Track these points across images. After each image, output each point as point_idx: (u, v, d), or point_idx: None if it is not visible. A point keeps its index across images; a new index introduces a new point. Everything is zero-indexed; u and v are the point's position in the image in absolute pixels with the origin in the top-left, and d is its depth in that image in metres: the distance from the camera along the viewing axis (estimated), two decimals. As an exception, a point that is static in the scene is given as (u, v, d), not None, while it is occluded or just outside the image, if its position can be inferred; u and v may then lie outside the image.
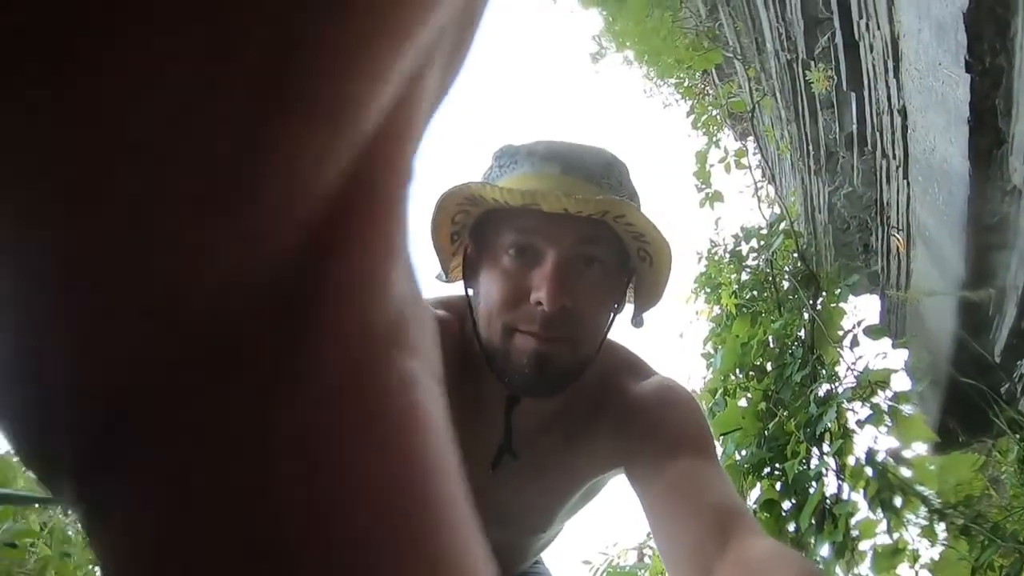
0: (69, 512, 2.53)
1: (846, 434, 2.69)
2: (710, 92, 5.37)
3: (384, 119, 0.10)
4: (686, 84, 5.38)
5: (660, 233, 0.92)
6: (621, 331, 1.09)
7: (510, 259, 0.90)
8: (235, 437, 0.09)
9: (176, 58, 0.09)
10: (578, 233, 0.89)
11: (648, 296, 1.03)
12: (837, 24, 3.35)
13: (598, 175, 0.93)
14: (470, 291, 0.99)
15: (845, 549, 2.46)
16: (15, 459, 2.55)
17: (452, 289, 1.06)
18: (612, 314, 0.99)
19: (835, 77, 3.52)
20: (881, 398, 2.65)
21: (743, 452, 2.95)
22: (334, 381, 0.09)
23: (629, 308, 1.06)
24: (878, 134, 3.28)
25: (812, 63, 3.67)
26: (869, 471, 2.52)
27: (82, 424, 0.10)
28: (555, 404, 1.00)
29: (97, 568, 2.64)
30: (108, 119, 0.09)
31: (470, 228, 0.98)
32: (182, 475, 0.09)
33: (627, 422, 1.01)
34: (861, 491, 2.52)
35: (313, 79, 0.09)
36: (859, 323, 3.12)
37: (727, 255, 4.35)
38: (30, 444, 0.11)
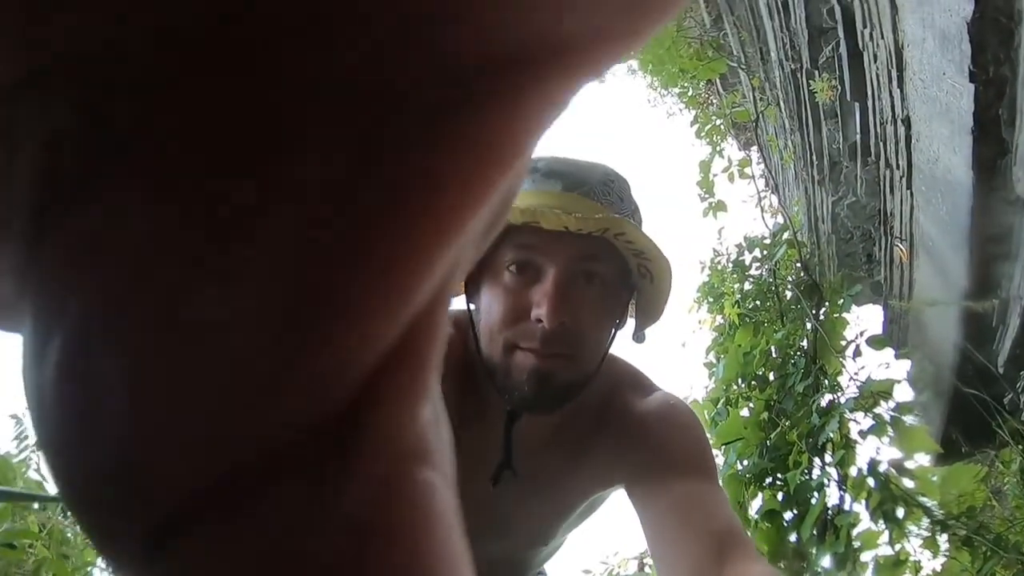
0: (68, 514, 2.53)
1: (848, 444, 2.68)
2: (714, 102, 5.38)
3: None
4: (690, 93, 5.38)
5: (660, 251, 0.92)
6: (624, 342, 1.10)
7: (511, 275, 0.91)
8: (287, 531, 0.11)
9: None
10: (578, 250, 0.89)
11: (649, 313, 1.04)
12: (841, 34, 3.36)
13: (599, 191, 0.93)
14: (472, 306, 0.99)
15: (847, 560, 2.44)
16: (15, 459, 2.55)
17: (455, 303, 1.06)
18: (613, 330, 0.99)
19: (839, 87, 3.53)
20: (884, 409, 2.65)
21: (745, 462, 2.94)
22: (370, 490, 0.12)
23: (631, 323, 1.06)
24: (882, 144, 3.28)
25: (816, 73, 3.67)
26: (871, 482, 2.51)
27: (148, 507, 0.11)
28: (557, 420, 1.00)
29: (95, 571, 2.64)
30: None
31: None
32: (240, 558, 0.11)
33: (630, 440, 1.01)
34: (863, 502, 2.52)
35: (397, 257, 0.11)
36: (862, 333, 3.12)
37: (730, 265, 4.35)
38: (99, 520, 0.12)
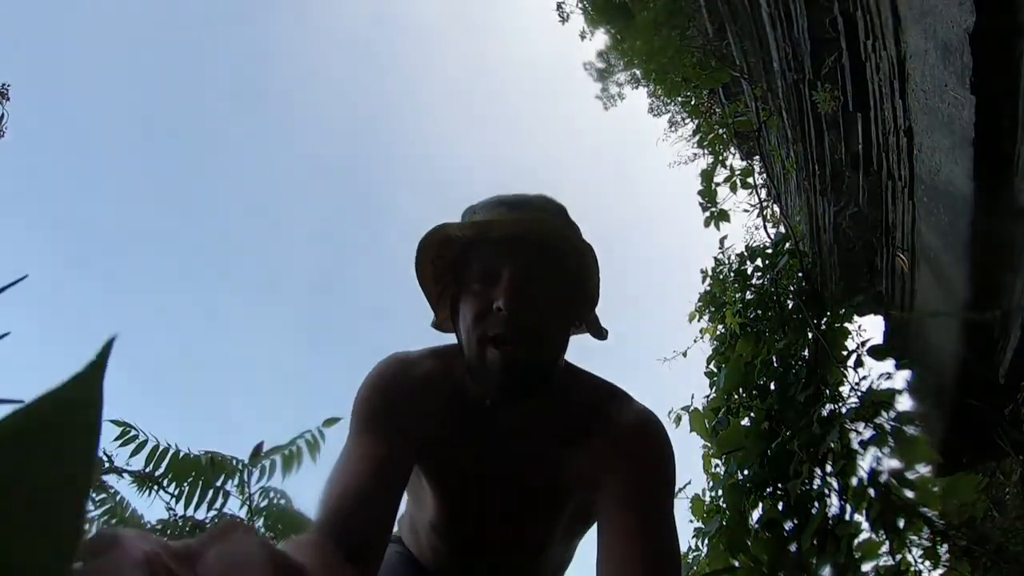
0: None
1: (849, 454, 2.67)
2: (716, 111, 5.40)
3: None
4: (692, 103, 5.40)
5: (583, 240, 1.10)
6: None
7: (478, 286, 1.07)
8: None
9: None
10: (529, 253, 1.06)
11: (591, 298, 1.17)
12: (844, 45, 3.37)
13: (541, 208, 1.12)
14: (458, 327, 1.12)
15: (847, 571, 2.43)
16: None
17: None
18: (571, 320, 1.13)
19: (841, 97, 3.54)
20: (884, 418, 2.64)
21: (745, 471, 2.93)
22: None
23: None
24: (884, 154, 3.29)
25: (818, 83, 3.68)
26: (872, 492, 2.50)
27: None
28: (542, 423, 1.12)
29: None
30: None
31: (451, 273, 1.14)
32: None
33: (606, 456, 1.09)
34: (864, 512, 2.50)
35: None
36: (863, 343, 3.12)
37: (731, 274, 4.35)
38: None
